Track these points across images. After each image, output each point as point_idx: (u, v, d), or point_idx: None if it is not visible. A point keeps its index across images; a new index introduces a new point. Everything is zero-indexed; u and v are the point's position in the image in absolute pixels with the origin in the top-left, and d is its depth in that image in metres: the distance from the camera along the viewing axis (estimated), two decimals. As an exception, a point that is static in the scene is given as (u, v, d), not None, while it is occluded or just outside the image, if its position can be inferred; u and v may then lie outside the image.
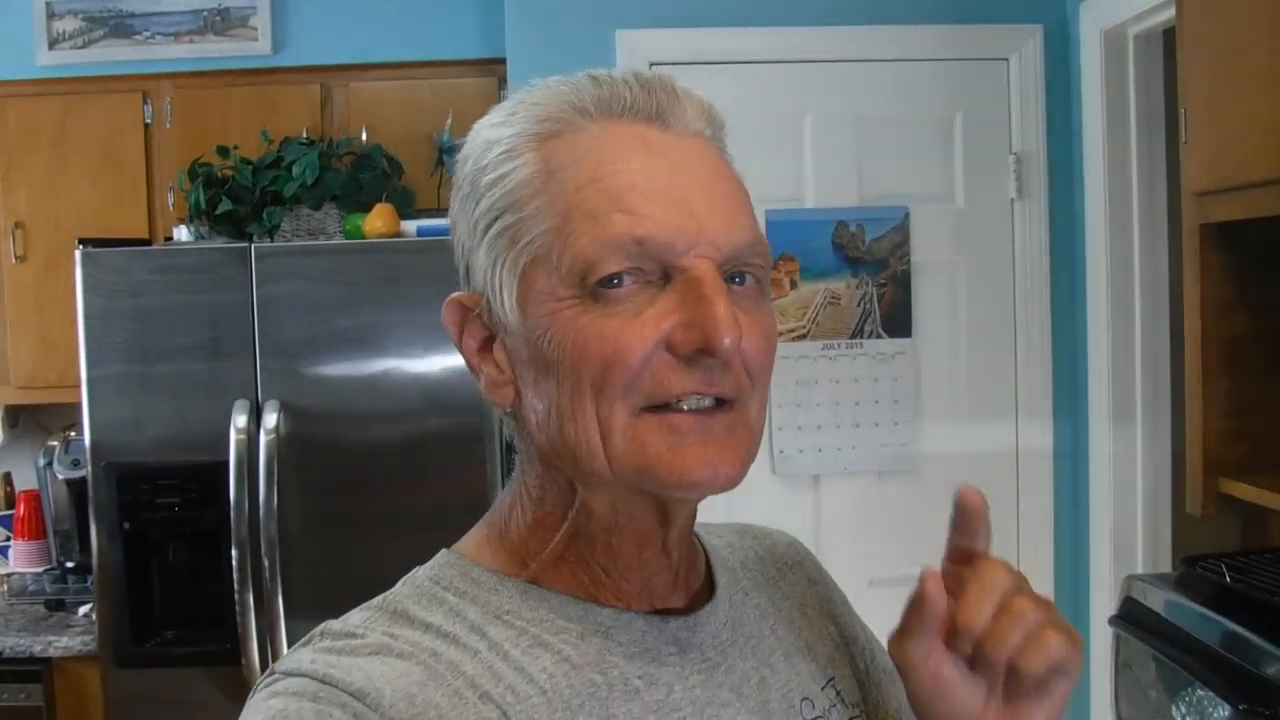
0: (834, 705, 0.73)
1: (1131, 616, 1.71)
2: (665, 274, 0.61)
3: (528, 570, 0.67)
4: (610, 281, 0.60)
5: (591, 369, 0.60)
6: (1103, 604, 2.43)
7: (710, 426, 0.61)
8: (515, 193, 0.63)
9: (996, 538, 2.59)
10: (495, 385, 0.66)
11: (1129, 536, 2.39)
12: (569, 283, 0.61)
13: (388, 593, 0.67)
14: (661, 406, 0.61)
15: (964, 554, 0.67)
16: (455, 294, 0.68)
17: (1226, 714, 1.50)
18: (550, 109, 0.64)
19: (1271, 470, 1.71)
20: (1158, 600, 1.67)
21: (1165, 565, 2.38)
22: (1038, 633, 0.62)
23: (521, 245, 0.62)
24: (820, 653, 0.76)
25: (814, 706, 0.72)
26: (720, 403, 0.62)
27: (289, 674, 0.60)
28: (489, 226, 0.64)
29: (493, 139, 0.64)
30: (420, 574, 0.68)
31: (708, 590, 0.72)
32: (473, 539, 0.71)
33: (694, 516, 0.70)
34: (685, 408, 0.61)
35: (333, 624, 0.65)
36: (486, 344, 0.66)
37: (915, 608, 0.64)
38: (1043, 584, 2.57)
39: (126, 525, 2.24)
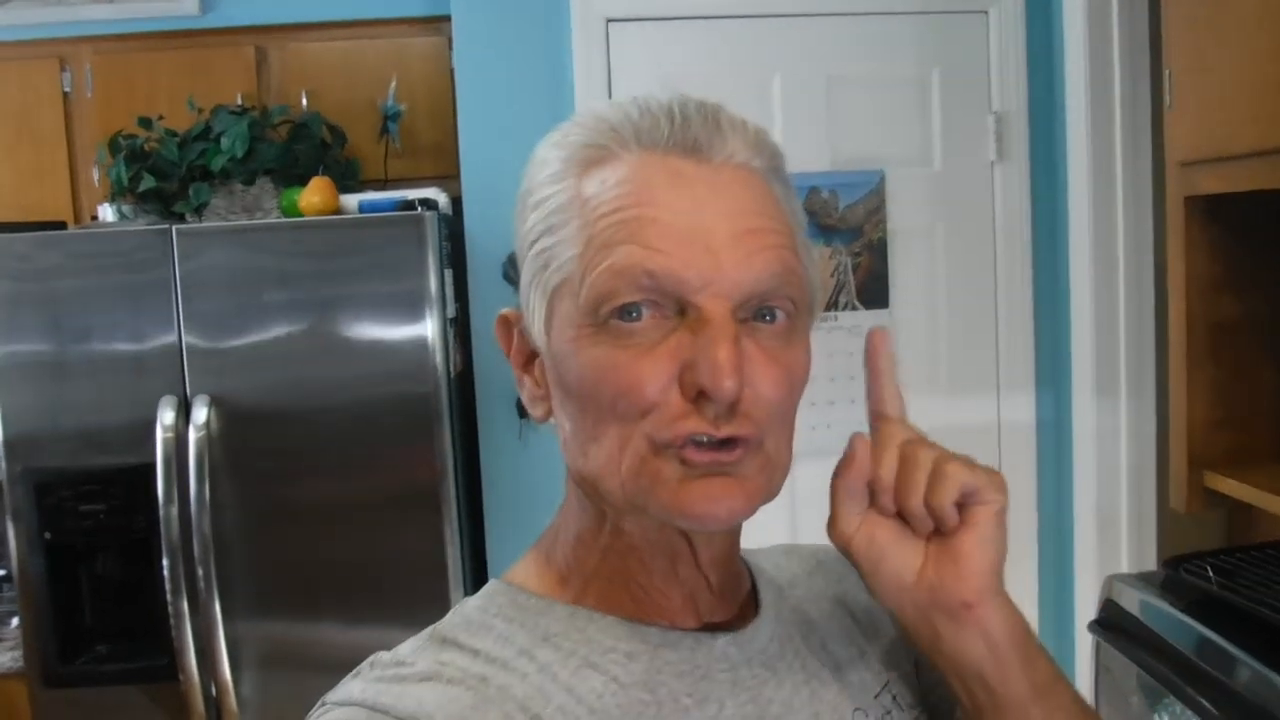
0: (888, 713, 0.73)
1: (1111, 621, 1.61)
2: (682, 309, 0.61)
3: (573, 591, 0.68)
4: (628, 313, 0.61)
5: (607, 399, 0.61)
6: (1086, 584, 2.34)
7: (721, 462, 0.61)
8: (552, 217, 0.64)
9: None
10: (533, 399, 0.69)
11: (1113, 515, 2.31)
12: (586, 311, 0.62)
13: (437, 623, 0.68)
14: (674, 442, 0.61)
15: (877, 418, 0.69)
16: (505, 310, 0.70)
17: (1209, 729, 1.41)
18: (595, 135, 0.64)
19: (1258, 463, 1.61)
20: (1139, 605, 1.57)
21: (1150, 546, 2.30)
22: (937, 469, 0.64)
23: (551, 270, 0.63)
24: (874, 658, 0.76)
25: (867, 716, 0.72)
26: (734, 440, 0.61)
27: (340, 704, 0.62)
28: (530, 246, 0.65)
29: (545, 159, 0.66)
30: (469, 603, 0.69)
31: (753, 608, 0.72)
32: (521, 565, 0.72)
33: (733, 541, 0.71)
34: (697, 442, 0.61)
35: (382, 655, 0.66)
36: (530, 358, 0.68)
37: (843, 471, 0.65)
38: (1025, 559, 2.49)
39: (48, 535, 2.10)
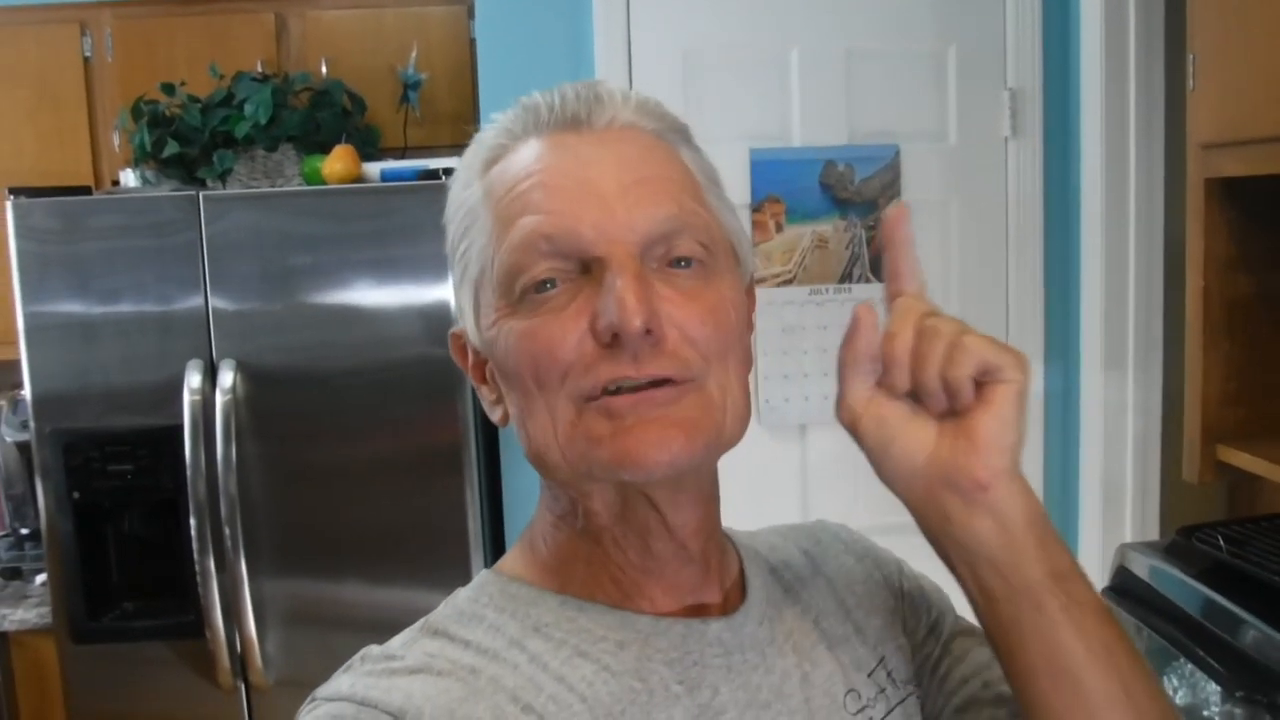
0: (882, 691, 0.73)
1: (1124, 587, 1.67)
2: (586, 267, 0.61)
3: (560, 579, 0.68)
4: (543, 286, 0.62)
5: (528, 368, 0.62)
6: (1092, 554, 2.40)
7: (651, 403, 0.61)
8: (465, 219, 0.66)
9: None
10: (491, 406, 0.69)
11: (1119, 485, 2.36)
12: (502, 291, 0.63)
13: (429, 615, 0.69)
14: (601, 394, 0.61)
15: (895, 294, 0.66)
16: (455, 328, 0.71)
17: (1218, 689, 1.47)
18: (490, 137, 0.67)
19: (1269, 436, 1.65)
20: (1151, 571, 1.62)
21: (1154, 518, 2.35)
22: (956, 340, 0.60)
23: (471, 266, 0.66)
24: (869, 634, 0.75)
25: (860, 698, 0.72)
26: (663, 381, 0.61)
27: (329, 699, 0.62)
28: (453, 254, 0.68)
29: (456, 177, 0.69)
30: (461, 594, 0.70)
31: (743, 592, 0.72)
32: (511, 555, 0.72)
33: (706, 508, 0.69)
34: (624, 390, 0.61)
35: (373, 649, 0.66)
36: (482, 367, 0.69)
37: (849, 343, 0.63)
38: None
39: (76, 495, 2.13)
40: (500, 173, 0.65)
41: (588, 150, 0.64)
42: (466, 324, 0.67)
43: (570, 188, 0.62)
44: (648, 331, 0.59)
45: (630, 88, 0.71)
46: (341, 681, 0.63)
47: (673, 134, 0.68)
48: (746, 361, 0.66)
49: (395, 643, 0.66)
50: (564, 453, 0.62)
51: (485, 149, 0.67)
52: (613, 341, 0.59)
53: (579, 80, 0.69)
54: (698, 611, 0.68)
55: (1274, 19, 1.45)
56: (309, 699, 0.63)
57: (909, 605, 0.80)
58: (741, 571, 0.73)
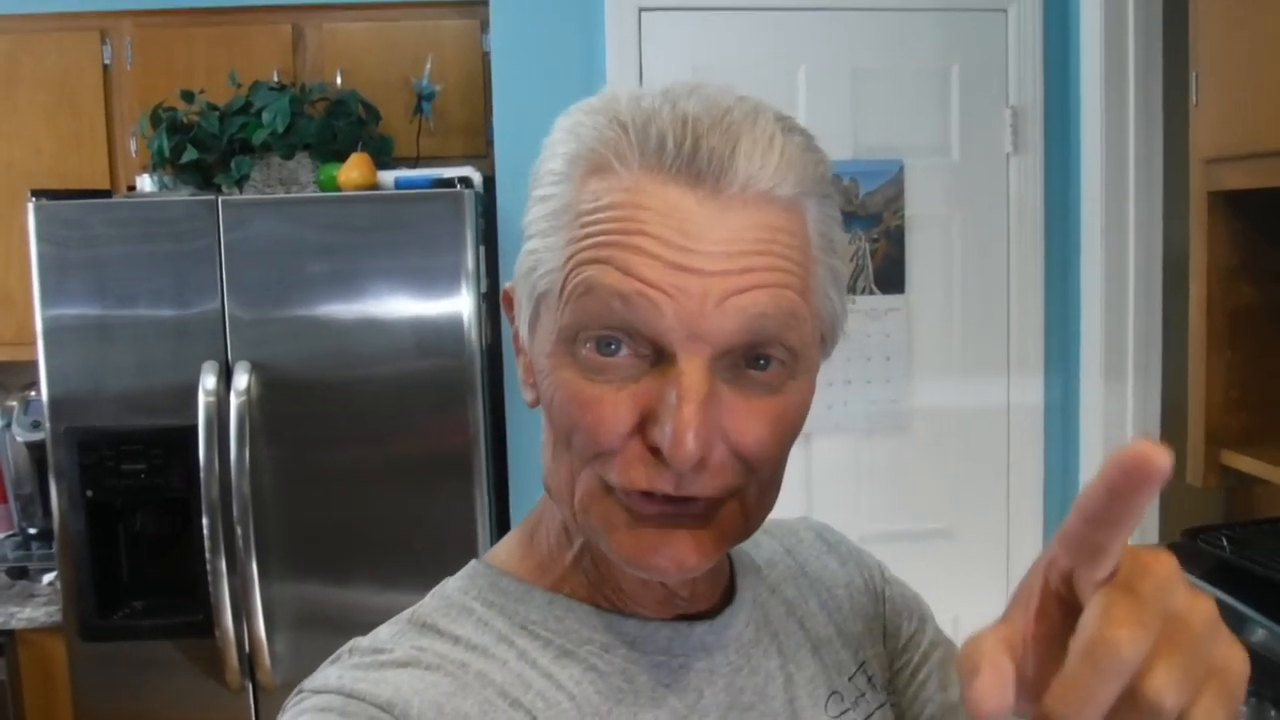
0: (862, 695, 0.73)
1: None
2: (659, 352, 0.56)
3: (553, 578, 0.67)
4: (607, 345, 0.56)
5: (568, 426, 0.58)
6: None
7: (679, 517, 0.57)
8: (546, 220, 0.60)
9: (987, 492, 2.57)
10: (525, 384, 0.66)
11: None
12: (563, 336, 0.58)
13: (416, 606, 0.67)
14: (629, 489, 0.57)
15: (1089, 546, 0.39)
16: (508, 284, 0.66)
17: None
18: (602, 137, 0.58)
19: (1270, 441, 1.70)
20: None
21: (1153, 524, 2.39)
22: (1225, 666, 0.38)
23: (537, 275, 0.60)
24: (851, 636, 0.75)
25: (841, 700, 0.71)
26: (694, 499, 0.57)
27: (316, 691, 0.61)
28: (527, 240, 0.62)
29: (555, 149, 0.61)
30: (449, 585, 0.68)
31: (730, 593, 0.71)
32: (504, 545, 0.71)
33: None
34: (649, 494, 0.57)
35: (360, 641, 0.64)
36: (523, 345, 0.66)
37: (1026, 617, 0.43)
38: (1032, 536, 2.58)
39: (89, 493, 2.14)
40: (593, 197, 0.57)
41: (699, 222, 0.55)
42: (521, 318, 0.63)
43: (665, 261, 0.55)
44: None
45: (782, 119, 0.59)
46: (329, 673, 0.62)
47: (808, 195, 0.59)
48: (788, 455, 0.61)
49: (382, 634, 0.65)
50: (576, 516, 0.60)
51: (588, 149, 0.59)
52: (658, 451, 0.55)
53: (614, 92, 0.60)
54: (684, 616, 0.68)
55: (1275, 37, 1.50)
56: (296, 691, 0.62)
57: (890, 610, 0.79)
58: (731, 573, 0.72)
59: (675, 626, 0.66)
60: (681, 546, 0.57)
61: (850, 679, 0.73)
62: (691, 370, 0.55)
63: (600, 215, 0.57)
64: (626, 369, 0.56)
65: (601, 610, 0.66)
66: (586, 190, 0.58)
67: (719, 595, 0.70)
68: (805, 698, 0.70)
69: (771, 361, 0.57)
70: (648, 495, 0.57)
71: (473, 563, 0.70)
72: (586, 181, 0.58)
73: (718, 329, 0.55)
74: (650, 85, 0.61)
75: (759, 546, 0.78)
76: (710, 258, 0.55)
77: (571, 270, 0.57)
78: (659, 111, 0.57)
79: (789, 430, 0.59)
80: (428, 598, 0.68)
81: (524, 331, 0.63)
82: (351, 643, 0.64)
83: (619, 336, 0.56)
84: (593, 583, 0.66)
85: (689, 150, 0.56)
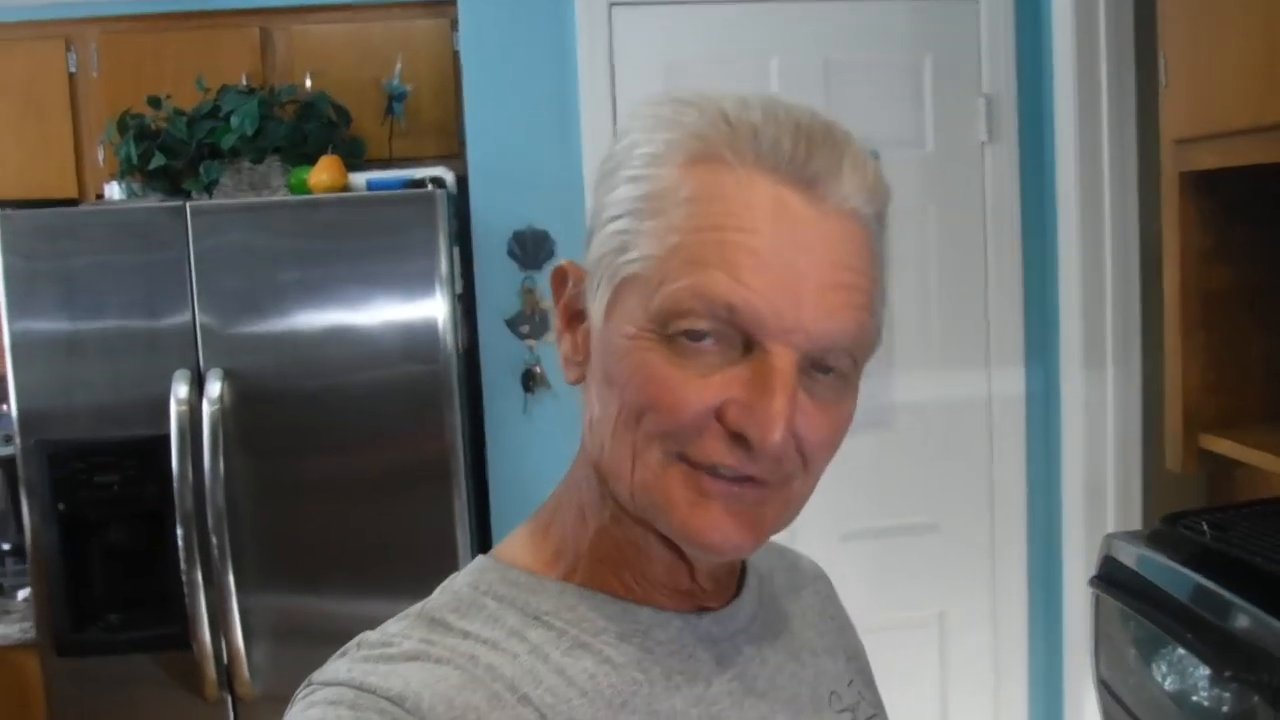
0: (859, 702, 0.76)
1: (1111, 576, 1.69)
2: (748, 345, 0.58)
3: (564, 567, 0.67)
4: (695, 334, 0.58)
5: (642, 405, 0.60)
6: (1075, 549, 2.43)
7: (739, 496, 0.60)
8: (643, 201, 0.60)
9: (970, 485, 2.55)
10: (569, 361, 0.66)
11: (1101, 481, 2.39)
12: (654, 320, 0.59)
13: (424, 601, 0.67)
14: (695, 463, 0.60)
15: None
16: (565, 261, 0.68)
17: (1207, 673, 1.49)
18: (709, 129, 0.60)
19: (1248, 424, 1.69)
20: (1137, 559, 1.65)
21: (1136, 511, 2.38)
22: None
23: (627, 257, 0.60)
24: (839, 659, 0.79)
25: (841, 700, 0.74)
26: (755, 479, 0.60)
27: (326, 684, 0.61)
28: (611, 220, 0.62)
29: (650, 135, 0.62)
30: (458, 580, 0.68)
31: (738, 589, 0.73)
32: (513, 540, 0.71)
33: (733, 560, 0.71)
34: (719, 472, 0.60)
35: (369, 635, 0.64)
36: (576, 318, 0.66)
37: None
38: (1016, 525, 2.57)
39: (61, 506, 2.11)
40: (705, 188, 0.59)
41: (808, 230, 0.58)
42: (592, 298, 0.63)
43: (775, 269, 0.57)
44: None
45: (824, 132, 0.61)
46: (339, 666, 0.62)
47: (877, 223, 0.63)
48: (828, 465, 0.65)
49: (391, 628, 0.65)
50: (634, 493, 0.62)
51: (696, 138, 0.60)
52: (737, 435, 0.58)
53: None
54: (696, 609, 0.69)
55: (1242, 16, 1.50)
56: (305, 683, 0.62)
57: (860, 660, 0.83)
58: (742, 571, 0.74)
59: (686, 617, 0.67)
60: (738, 527, 0.60)
61: (848, 685, 0.76)
62: (784, 365, 0.58)
63: (710, 207, 0.58)
64: (711, 357, 0.58)
65: (616, 599, 0.66)
66: (693, 177, 0.59)
67: (730, 590, 0.72)
68: (809, 692, 0.72)
69: (834, 370, 0.61)
70: (714, 475, 0.59)
71: (480, 558, 0.70)
72: (692, 169, 0.59)
73: (810, 340, 0.58)
74: (735, 92, 0.62)
75: (760, 557, 0.78)
76: (814, 268, 0.58)
77: (679, 265, 0.58)
78: (772, 114, 0.59)
79: (840, 438, 0.63)
80: (436, 593, 0.68)
81: (595, 312, 0.63)
82: (360, 636, 0.64)
83: (711, 330, 0.58)
84: (611, 568, 0.66)
85: (803, 156, 0.58)
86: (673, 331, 0.58)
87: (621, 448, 0.61)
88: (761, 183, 0.58)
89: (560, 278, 0.67)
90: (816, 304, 0.58)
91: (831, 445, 0.62)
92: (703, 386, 0.58)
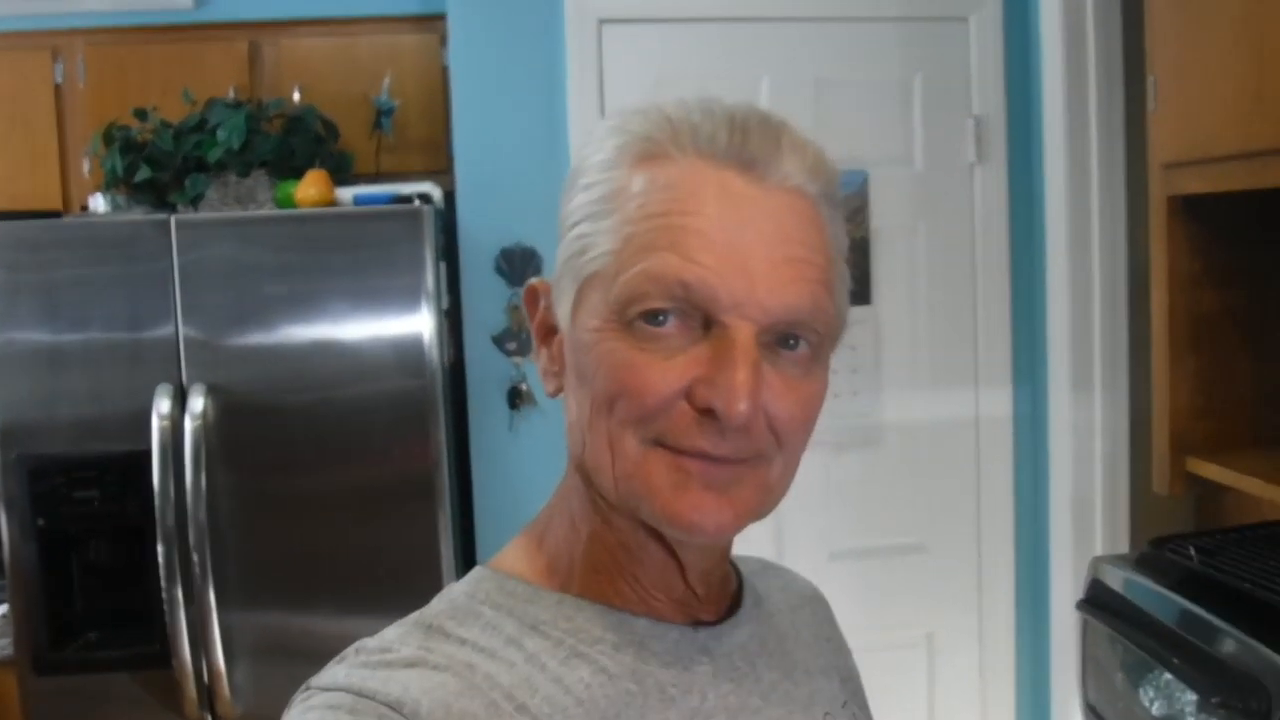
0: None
1: (1098, 600, 1.69)
2: (708, 323, 0.60)
3: (561, 578, 0.68)
4: (655, 318, 0.60)
5: (611, 394, 0.61)
6: (1063, 571, 2.42)
7: (717, 476, 0.61)
8: (596, 205, 0.63)
9: (958, 505, 2.55)
10: (546, 374, 0.69)
11: (1088, 503, 2.39)
12: (614, 308, 0.61)
13: (423, 609, 0.68)
14: (672, 447, 0.61)
15: None
16: (535, 279, 0.70)
17: (1194, 699, 1.48)
18: (653, 128, 0.63)
19: (1236, 449, 1.69)
20: (1124, 583, 1.64)
21: (1123, 534, 2.38)
22: None
23: (587, 258, 0.63)
24: (834, 680, 0.79)
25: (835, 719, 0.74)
26: (732, 458, 0.62)
27: (324, 689, 0.61)
28: (571, 228, 0.65)
29: (601, 143, 0.65)
30: (456, 589, 0.69)
31: (735, 606, 0.74)
32: (509, 551, 0.72)
33: (722, 557, 0.72)
34: (696, 455, 0.61)
35: (367, 641, 0.65)
36: (551, 332, 0.68)
37: None
38: (1003, 546, 2.56)
39: (41, 521, 2.09)
40: (653, 181, 0.62)
41: (751, 207, 0.61)
42: (560, 304, 0.66)
43: (723, 245, 0.60)
44: None
45: (787, 125, 0.64)
46: (337, 671, 0.62)
47: (826, 201, 0.65)
48: (808, 443, 0.66)
49: (389, 635, 0.65)
50: (617, 484, 0.63)
51: (642, 139, 0.63)
52: (706, 413, 0.60)
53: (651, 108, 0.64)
54: (693, 623, 0.69)
55: (1230, 44, 1.50)
56: (303, 687, 0.63)
57: (855, 682, 0.84)
58: (739, 587, 0.75)
59: (683, 630, 0.68)
60: (719, 508, 0.61)
61: (842, 706, 0.77)
62: (743, 337, 0.59)
63: (657, 196, 0.61)
64: (674, 340, 0.60)
65: (613, 609, 0.67)
66: (640, 175, 0.62)
67: (726, 607, 0.73)
68: (804, 710, 0.72)
69: (800, 343, 0.62)
70: (690, 456, 0.61)
71: (478, 568, 0.71)
72: (638, 167, 0.63)
73: (765, 313, 0.60)
74: (678, 96, 0.66)
75: (756, 576, 0.80)
76: (761, 243, 0.60)
77: (632, 254, 0.61)
78: (710, 111, 0.63)
79: (812, 414, 0.64)
80: (434, 601, 0.68)
81: (563, 316, 0.65)
82: (358, 643, 0.65)
83: (670, 310, 0.60)
84: (606, 578, 0.67)
85: (739, 142, 0.61)
86: (632, 316, 0.60)
87: (599, 440, 0.62)
88: (704, 169, 0.61)
89: (532, 295, 0.70)
90: (768, 276, 0.60)
91: (803, 423, 0.63)
92: (667, 369, 0.60)
